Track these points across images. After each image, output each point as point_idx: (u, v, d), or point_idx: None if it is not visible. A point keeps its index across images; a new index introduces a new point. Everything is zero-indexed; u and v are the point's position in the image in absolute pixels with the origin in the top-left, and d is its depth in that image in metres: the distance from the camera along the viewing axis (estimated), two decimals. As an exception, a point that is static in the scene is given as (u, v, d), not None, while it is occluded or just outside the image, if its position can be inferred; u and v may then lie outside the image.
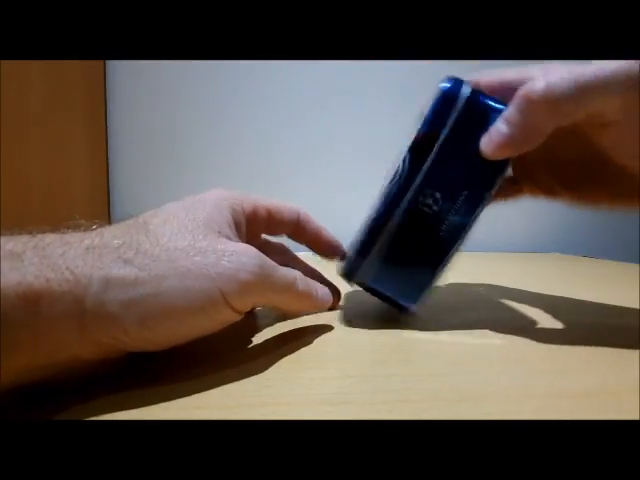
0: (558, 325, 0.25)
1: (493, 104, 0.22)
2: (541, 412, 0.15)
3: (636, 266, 0.57)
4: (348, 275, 0.25)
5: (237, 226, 0.21)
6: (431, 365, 0.19)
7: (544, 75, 0.19)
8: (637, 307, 0.29)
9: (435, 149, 0.22)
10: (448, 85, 0.22)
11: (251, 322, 0.26)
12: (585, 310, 0.28)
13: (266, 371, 0.18)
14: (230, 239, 0.19)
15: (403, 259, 0.23)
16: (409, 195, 0.22)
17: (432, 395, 0.16)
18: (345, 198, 0.82)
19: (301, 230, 0.26)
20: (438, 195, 0.22)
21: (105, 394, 0.16)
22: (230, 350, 0.21)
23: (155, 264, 0.16)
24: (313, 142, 0.85)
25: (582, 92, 0.18)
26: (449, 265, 0.23)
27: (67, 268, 0.14)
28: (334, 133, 0.85)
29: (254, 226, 0.24)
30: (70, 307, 0.14)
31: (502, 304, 0.31)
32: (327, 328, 0.25)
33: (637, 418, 0.14)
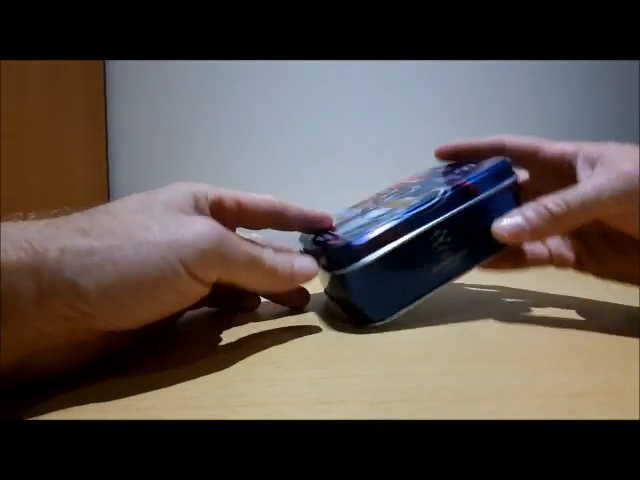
0: (558, 324, 0.25)
1: (514, 201, 0.26)
2: (541, 412, 0.15)
3: (636, 266, 0.57)
4: (333, 262, 0.23)
5: (201, 212, 0.21)
6: (431, 364, 0.19)
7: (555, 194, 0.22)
8: (637, 307, 0.29)
9: (470, 202, 0.24)
10: (508, 162, 0.26)
11: (251, 323, 0.26)
12: (585, 309, 0.28)
13: (267, 371, 0.18)
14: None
15: (392, 275, 0.23)
16: (431, 223, 0.23)
17: (432, 394, 0.16)
18: (348, 198, 0.82)
19: (283, 218, 0.24)
20: (449, 239, 0.24)
21: (105, 394, 0.16)
22: (231, 350, 0.21)
23: (111, 235, 0.16)
24: (314, 141, 0.85)
25: (582, 209, 0.22)
26: (427, 296, 0.25)
27: (25, 241, 0.15)
28: (335, 133, 0.85)
29: (223, 217, 0.22)
30: (28, 276, 0.14)
31: (501, 303, 0.31)
32: (328, 329, 0.24)
33: (637, 418, 0.14)
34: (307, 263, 0.22)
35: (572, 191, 0.22)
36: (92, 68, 0.76)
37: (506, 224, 0.23)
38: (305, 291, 0.28)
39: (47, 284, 0.14)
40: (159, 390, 0.16)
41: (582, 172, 0.24)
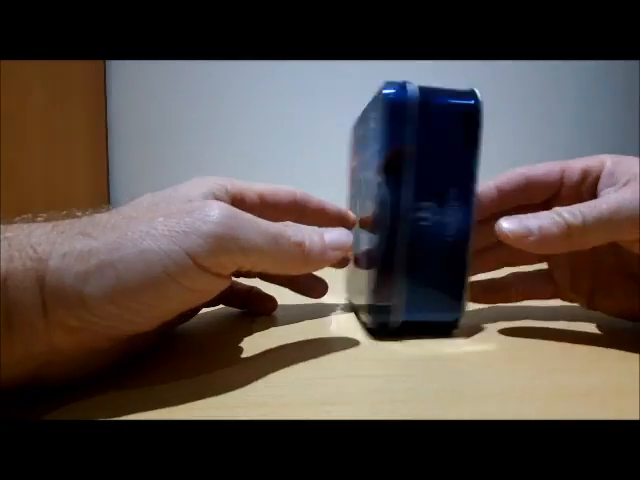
0: (558, 325, 0.25)
1: (447, 100, 0.22)
2: (541, 412, 0.15)
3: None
4: (381, 326, 0.23)
5: None
6: (432, 365, 0.19)
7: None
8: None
9: (407, 164, 0.21)
10: (392, 92, 0.21)
11: (251, 323, 0.26)
12: (585, 310, 0.28)
13: (266, 371, 0.18)
14: None
15: (428, 279, 0.22)
16: (403, 219, 0.21)
17: (433, 395, 0.16)
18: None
19: (303, 210, 0.23)
20: (428, 204, 0.22)
21: (105, 394, 0.16)
22: (230, 350, 0.21)
23: (112, 232, 0.15)
24: (315, 141, 0.85)
25: (598, 224, 0.19)
26: (471, 260, 0.23)
27: (31, 246, 0.14)
28: (336, 133, 0.85)
29: (244, 210, 0.22)
30: (33, 287, 0.13)
31: (501, 305, 0.31)
32: (327, 329, 0.25)
33: (637, 418, 0.14)
34: (339, 234, 0.20)
35: (590, 203, 0.20)
36: (92, 68, 0.76)
37: (512, 224, 0.20)
38: (324, 281, 0.26)
39: (49, 293, 0.13)
40: (157, 392, 0.16)
41: (602, 190, 0.22)
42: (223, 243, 0.15)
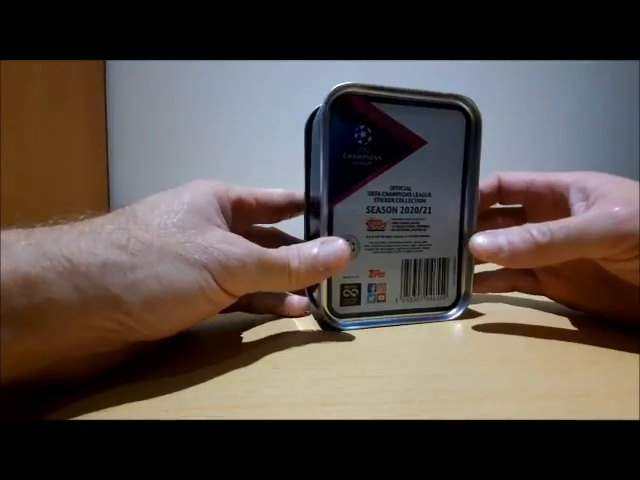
0: (558, 325, 0.25)
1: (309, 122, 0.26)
2: (541, 412, 0.15)
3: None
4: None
5: (223, 212, 0.21)
6: (431, 365, 0.19)
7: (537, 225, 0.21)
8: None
9: (307, 174, 0.26)
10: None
11: (252, 324, 0.26)
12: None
13: (266, 372, 0.18)
14: (218, 226, 0.20)
15: None
16: (305, 217, 0.26)
17: (432, 395, 0.16)
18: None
19: (298, 208, 0.26)
20: (311, 208, 0.25)
21: (106, 394, 0.16)
22: (231, 351, 0.21)
23: (149, 250, 0.17)
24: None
25: (565, 243, 0.20)
26: None
27: (62, 255, 0.15)
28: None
29: (241, 214, 0.23)
30: (69, 292, 0.14)
31: (501, 305, 0.31)
32: (327, 331, 0.25)
33: (637, 418, 0.14)
34: (334, 249, 0.21)
35: (559, 222, 0.20)
36: (92, 68, 0.76)
37: (485, 241, 0.21)
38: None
39: (92, 299, 0.15)
40: (157, 392, 0.16)
41: (575, 205, 0.23)
42: (240, 276, 0.19)
